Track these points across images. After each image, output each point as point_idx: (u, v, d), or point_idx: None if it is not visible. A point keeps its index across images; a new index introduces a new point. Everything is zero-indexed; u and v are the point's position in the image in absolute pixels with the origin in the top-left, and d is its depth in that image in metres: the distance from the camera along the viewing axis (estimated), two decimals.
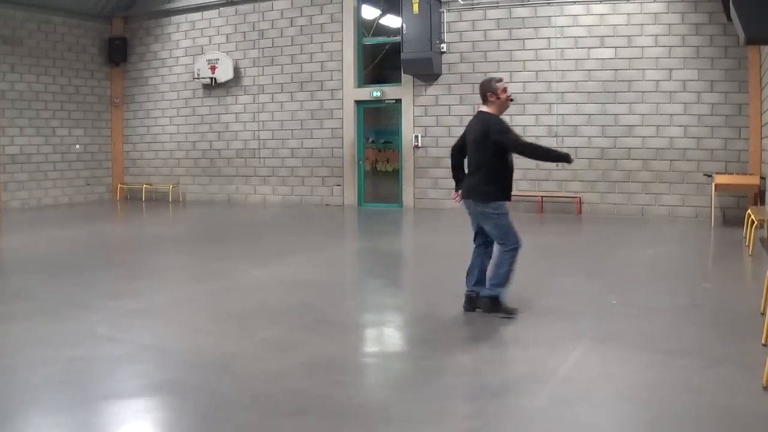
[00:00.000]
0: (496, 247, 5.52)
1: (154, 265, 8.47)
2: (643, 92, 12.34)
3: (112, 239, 11.36)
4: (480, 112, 5.56)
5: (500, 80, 5.53)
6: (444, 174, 13.99)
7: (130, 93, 17.74)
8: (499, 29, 13.47)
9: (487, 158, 5.41)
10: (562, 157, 5.60)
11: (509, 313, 5.42)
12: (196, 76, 16.26)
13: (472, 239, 5.75)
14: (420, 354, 4.76)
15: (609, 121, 12.56)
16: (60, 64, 16.38)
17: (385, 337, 5.41)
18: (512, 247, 5.40)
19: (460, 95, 13.82)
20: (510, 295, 5.59)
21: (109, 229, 12.59)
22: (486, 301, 5.47)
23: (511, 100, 5.60)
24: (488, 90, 5.47)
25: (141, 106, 17.62)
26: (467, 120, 15.30)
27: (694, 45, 12.00)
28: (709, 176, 11.71)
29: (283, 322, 5.52)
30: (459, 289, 5.99)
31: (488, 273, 5.50)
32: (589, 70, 12.69)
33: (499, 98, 5.46)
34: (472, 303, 5.61)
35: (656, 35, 12.24)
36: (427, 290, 6.90)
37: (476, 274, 5.61)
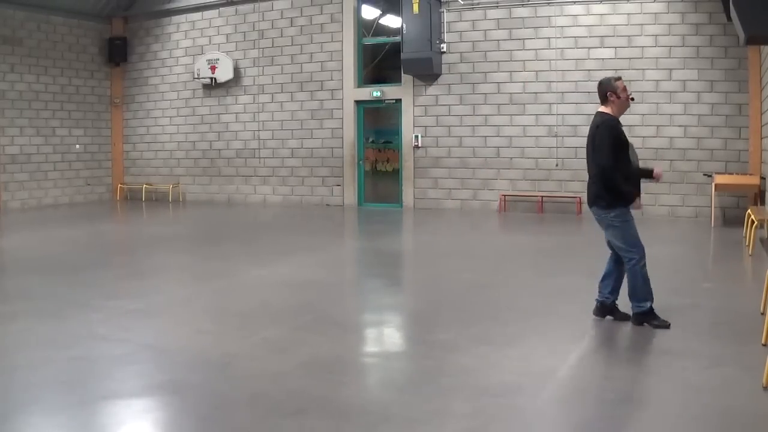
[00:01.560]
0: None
1: (154, 265, 8.47)
2: (643, 92, 12.33)
3: (112, 239, 11.36)
4: (597, 113, 5.34)
5: (619, 78, 5.32)
6: (444, 174, 14.01)
7: (130, 93, 17.74)
8: (499, 29, 13.47)
9: (603, 162, 5.08)
10: (646, 174, 5.47)
11: (662, 326, 5.10)
12: (196, 76, 16.26)
13: (606, 244, 5.47)
14: (420, 354, 4.76)
15: None
16: (60, 64, 16.37)
17: (385, 337, 5.41)
18: (636, 258, 5.12)
19: (460, 95, 13.82)
20: (509, 296, 5.58)
21: (109, 229, 12.59)
22: (635, 317, 5.20)
23: (632, 99, 5.39)
24: (608, 89, 5.27)
25: (141, 106, 17.61)
26: (467, 120, 15.39)
27: (694, 45, 12.00)
28: (709, 176, 11.71)
29: (283, 322, 5.52)
30: (459, 288, 6.00)
31: (629, 293, 5.21)
32: (589, 70, 12.68)
33: (619, 98, 5.23)
34: (602, 310, 5.37)
35: (656, 35, 12.24)
36: (427, 290, 6.89)
37: (611, 283, 5.35)
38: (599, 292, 5.38)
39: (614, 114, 5.25)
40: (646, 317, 5.12)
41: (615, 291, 5.34)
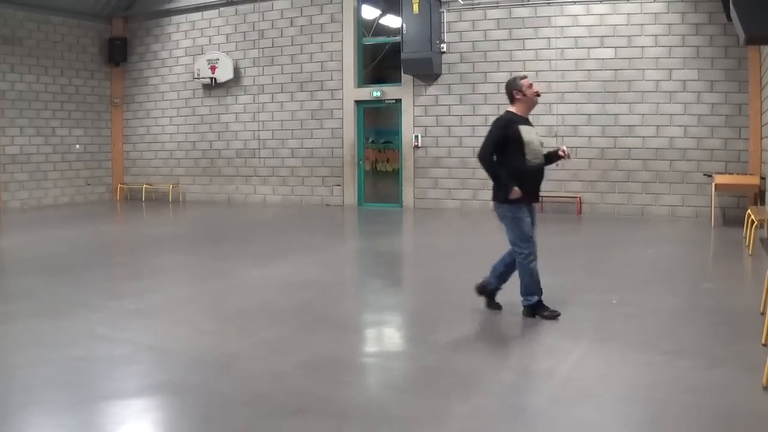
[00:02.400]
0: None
1: (154, 265, 8.47)
2: (643, 92, 12.34)
3: (112, 239, 11.36)
4: (505, 112, 5.50)
5: (525, 77, 5.47)
6: (444, 174, 14.02)
7: (130, 93, 17.74)
8: (499, 29, 13.48)
9: (505, 158, 5.34)
10: (552, 158, 5.57)
11: (551, 316, 5.37)
12: (196, 76, 16.26)
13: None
14: (420, 354, 4.76)
15: (609, 121, 12.57)
16: (60, 64, 16.38)
17: (385, 337, 5.41)
18: (525, 253, 5.33)
19: (460, 95, 13.83)
20: (509, 295, 5.58)
21: (109, 229, 12.59)
22: (526, 309, 5.46)
23: (539, 95, 5.49)
24: (514, 88, 5.42)
25: (141, 106, 17.62)
26: (467, 120, 15.40)
27: (694, 45, 12.00)
28: (709, 176, 11.72)
29: (283, 322, 5.52)
30: (459, 288, 6.00)
31: (521, 287, 5.46)
32: (589, 70, 12.69)
33: (525, 95, 5.39)
34: (482, 290, 5.67)
35: (656, 35, 12.24)
36: (427, 290, 6.89)
37: (501, 269, 5.58)
38: (491, 272, 5.61)
39: (521, 113, 5.42)
40: (536, 309, 5.40)
41: (501, 279, 5.57)
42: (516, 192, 5.24)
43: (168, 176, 17.24)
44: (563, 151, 5.60)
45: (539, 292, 5.41)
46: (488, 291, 5.65)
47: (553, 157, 5.62)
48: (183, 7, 16.70)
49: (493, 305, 5.67)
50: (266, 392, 3.93)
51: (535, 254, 5.37)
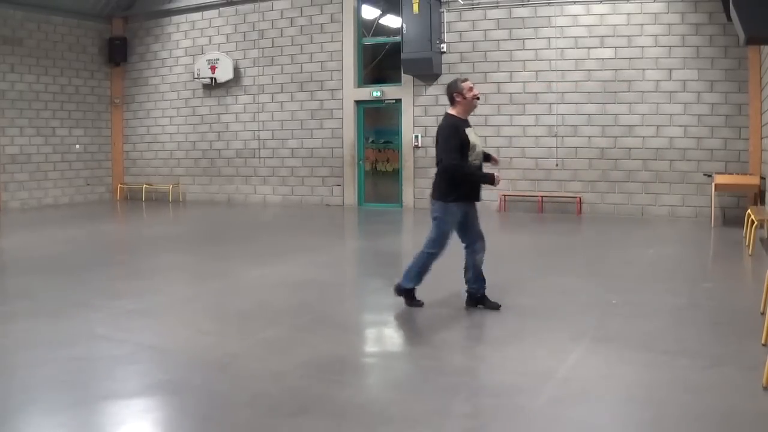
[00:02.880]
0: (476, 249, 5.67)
1: (155, 265, 8.47)
2: (643, 92, 12.34)
3: (112, 239, 11.36)
4: (444, 114, 5.60)
5: (465, 80, 5.58)
6: None
7: (130, 93, 17.74)
8: (499, 29, 13.47)
9: (449, 160, 5.43)
10: (486, 178, 5.52)
11: (416, 305, 5.76)
12: (196, 76, 16.26)
13: (460, 239, 5.76)
14: (420, 354, 4.77)
15: (609, 121, 12.56)
16: (60, 64, 16.38)
17: (385, 337, 5.41)
18: (432, 251, 5.57)
19: None
20: (510, 295, 5.58)
21: (109, 229, 12.59)
22: (397, 287, 5.77)
23: (478, 98, 5.63)
24: (454, 90, 5.51)
25: (141, 106, 17.62)
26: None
27: (694, 45, 12.00)
28: (709, 176, 11.71)
29: (283, 322, 5.52)
30: (459, 288, 6.00)
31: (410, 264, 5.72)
32: (589, 70, 12.69)
33: (465, 98, 5.49)
34: (472, 300, 5.76)
35: (656, 35, 12.24)
36: (427, 290, 6.88)
37: (472, 273, 5.70)
38: (466, 283, 5.74)
39: (460, 114, 5.52)
40: (405, 294, 5.73)
41: (479, 280, 5.68)
42: (498, 178, 5.48)
43: (168, 176, 17.24)
44: (495, 159, 5.90)
45: (417, 283, 5.69)
46: (479, 297, 5.72)
47: (488, 157, 5.83)
48: (183, 7, 16.70)
49: (489, 305, 5.72)
50: (266, 392, 3.93)
51: (439, 256, 5.60)
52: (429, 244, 5.58)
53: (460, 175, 5.42)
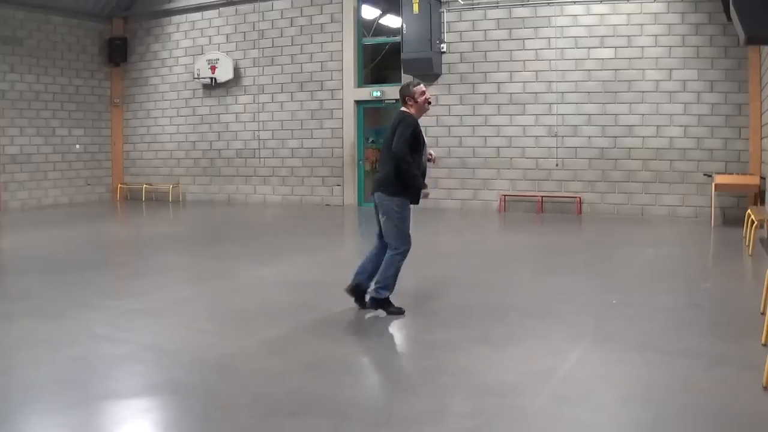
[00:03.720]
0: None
1: (155, 265, 8.47)
2: (643, 92, 12.34)
3: (112, 239, 11.36)
4: (399, 111, 5.64)
5: (418, 84, 5.64)
6: (444, 174, 14.01)
7: (130, 93, 17.75)
8: (499, 29, 13.48)
9: (402, 150, 5.41)
10: (420, 184, 5.50)
11: (397, 312, 5.57)
12: (196, 76, 16.26)
13: (376, 234, 5.74)
14: (420, 354, 4.77)
15: (609, 121, 12.57)
16: (60, 64, 16.38)
17: (384, 337, 5.41)
18: (401, 250, 5.52)
19: (460, 95, 13.83)
20: (510, 295, 5.58)
21: (109, 229, 12.59)
22: (372, 301, 5.61)
23: (429, 102, 5.69)
24: (407, 94, 5.58)
25: (141, 106, 17.62)
26: (467, 120, 15.37)
27: (694, 45, 12.00)
28: (709, 176, 11.72)
29: (283, 322, 5.52)
30: (459, 288, 6.00)
31: (377, 275, 5.58)
32: (589, 70, 12.69)
33: (416, 102, 5.56)
34: (356, 291, 5.67)
35: (656, 35, 12.24)
36: (427, 290, 6.89)
37: (370, 269, 5.65)
38: (356, 273, 5.68)
39: (414, 114, 5.57)
40: (382, 304, 5.56)
41: (371, 278, 5.62)
42: (428, 194, 5.54)
43: (168, 176, 17.24)
44: (431, 155, 5.82)
45: (392, 289, 5.58)
46: (361, 291, 5.68)
47: (420, 186, 5.64)
48: (183, 7, 16.70)
49: (362, 303, 5.69)
50: (267, 392, 3.93)
51: (407, 255, 5.54)
52: (395, 244, 5.51)
53: (405, 168, 5.37)
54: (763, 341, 4.59)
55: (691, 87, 12.07)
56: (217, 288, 6.92)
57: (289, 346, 4.83)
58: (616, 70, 12.52)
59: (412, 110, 5.58)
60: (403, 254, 5.55)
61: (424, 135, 5.59)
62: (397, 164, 5.40)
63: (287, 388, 3.97)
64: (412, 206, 5.60)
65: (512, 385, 3.98)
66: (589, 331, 5.13)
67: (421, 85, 5.64)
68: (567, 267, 7.91)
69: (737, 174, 11.54)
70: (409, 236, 5.56)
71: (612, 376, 4.16)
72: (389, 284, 5.56)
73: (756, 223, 8.53)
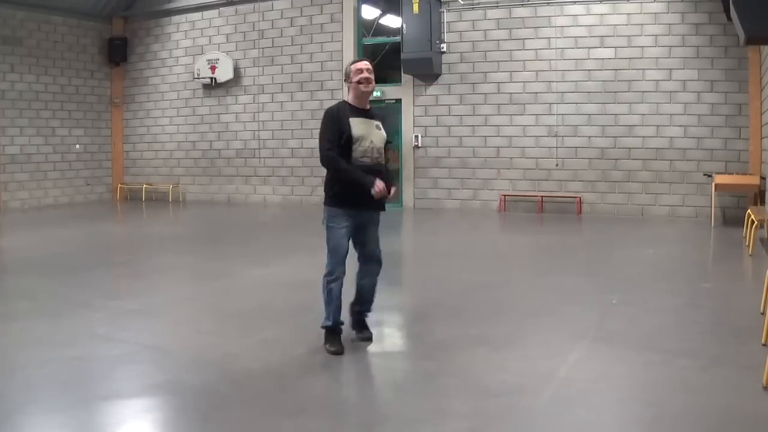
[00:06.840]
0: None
1: (155, 265, 8.47)
2: (643, 92, 12.34)
3: (112, 239, 11.36)
4: (340, 101, 4.88)
5: (357, 60, 4.72)
6: (444, 174, 14.02)
7: (130, 93, 17.74)
8: (499, 29, 13.47)
9: (320, 150, 4.62)
10: (362, 180, 4.45)
11: (330, 351, 4.55)
12: (196, 76, 16.26)
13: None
14: (420, 354, 4.76)
15: (609, 121, 12.56)
16: (60, 64, 16.37)
17: (385, 337, 5.40)
18: (326, 271, 4.60)
19: (460, 95, 13.83)
20: (510, 296, 5.57)
21: (109, 229, 12.58)
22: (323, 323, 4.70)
23: (360, 83, 4.57)
24: (345, 75, 4.72)
25: (141, 106, 17.61)
26: (467, 120, 15.35)
27: (694, 45, 12.00)
28: (709, 176, 11.71)
29: (283, 322, 5.52)
30: (459, 288, 6.00)
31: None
32: (589, 70, 12.69)
33: (351, 82, 4.63)
34: (355, 322, 4.95)
35: (656, 35, 12.24)
36: (427, 290, 6.89)
37: (355, 293, 4.90)
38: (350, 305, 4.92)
39: (354, 102, 4.66)
40: (325, 334, 4.63)
41: (361, 302, 4.88)
42: (380, 186, 4.43)
43: (168, 176, 17.24)
44: (376, 193, 4.47)
45: (333, 320, 4.59)
46: (359, 320, 4.94)
47: (366, 183, 4.49)
48: (183, 7, 16.70)
49: (361, 335, 4.91)
50: (266, 392, 3.93)
51: (339, 275, 4.56)
52: (326, 263, 4.60)
53: (333, 170, 4.53)
54: (763, 341, 4.59)
55: (691, 87, 12.07)
56: (217, 288, 6.92)
57: (289, 346, 4.82)
58: (616, 70, 12.51)
59: (351, 94, 4.66)
60: (329, 275, 4.55)
61: (361, 125, 4.56)
62: (327, 168, 4.59)
63: (287, 388, 3.97)
64: (373, 213, 4.71)
65: (512, 385, 3.98)
66: (589, 331, 5.13)
67: (360, 62, 4.66)
68: (567, 267, 7.91)
69: (737, 174, 11.54)
70: (339, 255, 4.54)
71: (612, 376, 4.16)
72: (325, 311, 4.61)
73: (756, 223, 8.52)
